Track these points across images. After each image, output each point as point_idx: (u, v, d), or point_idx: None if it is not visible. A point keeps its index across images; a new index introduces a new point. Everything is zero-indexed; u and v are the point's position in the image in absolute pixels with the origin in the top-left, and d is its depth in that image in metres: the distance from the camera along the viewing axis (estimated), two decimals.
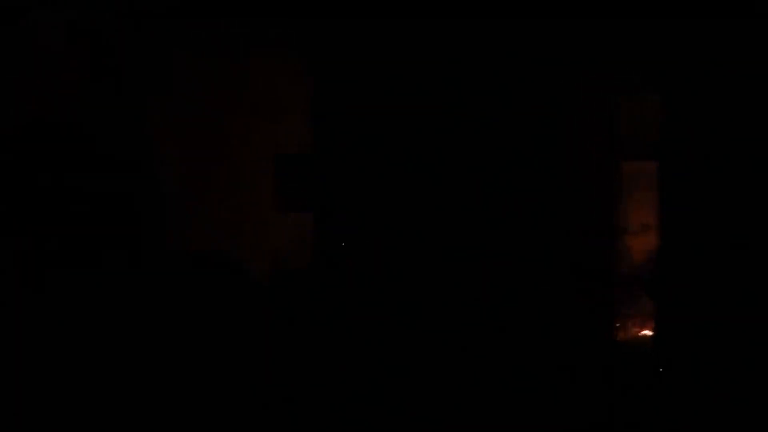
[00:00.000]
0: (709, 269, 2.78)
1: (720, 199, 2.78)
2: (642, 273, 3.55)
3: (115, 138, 1.73)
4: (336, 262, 3.66)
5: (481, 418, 2.99)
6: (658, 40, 2.96)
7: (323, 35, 3.48)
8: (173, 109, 2.48)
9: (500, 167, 3.50)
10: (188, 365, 1.69)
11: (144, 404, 1.61)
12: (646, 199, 3.60)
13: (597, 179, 3.43)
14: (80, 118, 1.71)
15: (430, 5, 3.22)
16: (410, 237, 3.62)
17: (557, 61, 3.36)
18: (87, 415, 1.54)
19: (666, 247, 2.99)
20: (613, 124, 3.39)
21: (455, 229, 3.50)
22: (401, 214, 3.62)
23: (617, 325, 3.57)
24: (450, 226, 3.50)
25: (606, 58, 3.28)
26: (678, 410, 2.79)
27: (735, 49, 2.72)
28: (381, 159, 3.59)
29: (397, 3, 3.21)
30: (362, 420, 2.92)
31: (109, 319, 1.60)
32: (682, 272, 2.89)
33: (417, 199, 3.57)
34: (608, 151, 3.41)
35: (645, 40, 3.04)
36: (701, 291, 2.80)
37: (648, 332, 3.78)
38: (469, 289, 3.47)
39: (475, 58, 3.38)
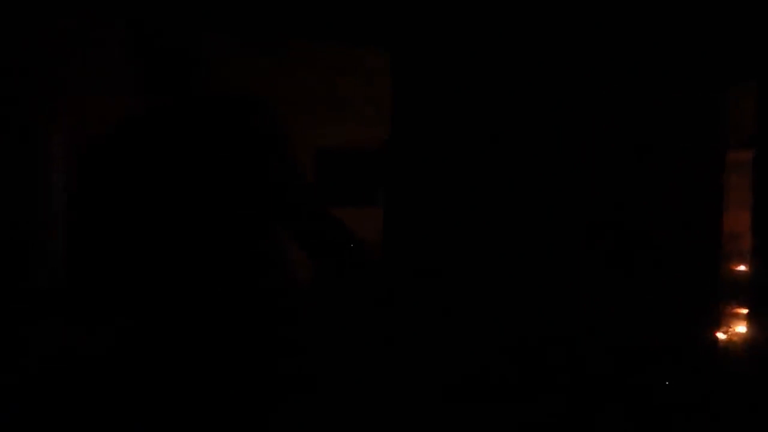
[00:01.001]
0: None
1: None
2: None
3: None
4: (408, 258, 3.47)
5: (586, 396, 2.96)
6: (756, 26, 2.79)
7: (409, 31, 3.44)
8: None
9: (600, 165, 3.30)
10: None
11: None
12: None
13: (705, 171, 3.27)
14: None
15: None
16: (502, 233, 3.35)
17: (663, 53, 3.19)
18: None
19: (762, 245, 2.70)
20: (720, 114, 3.24)
21: (548, 229, 3.29)
22: (495, 209, 3.37)
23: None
24: (543, 225, 3.30)
25: (711, 48, 3.11)
26: None
27: None
28: (467, 154, 3.39)
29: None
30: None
31: None
32: None
33: (504, 196, 3.34)
34: (715, 142, 3.24)
35: (743, 28, 2.89)
36: None
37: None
38: (554, 287, 3.26)
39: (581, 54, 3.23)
